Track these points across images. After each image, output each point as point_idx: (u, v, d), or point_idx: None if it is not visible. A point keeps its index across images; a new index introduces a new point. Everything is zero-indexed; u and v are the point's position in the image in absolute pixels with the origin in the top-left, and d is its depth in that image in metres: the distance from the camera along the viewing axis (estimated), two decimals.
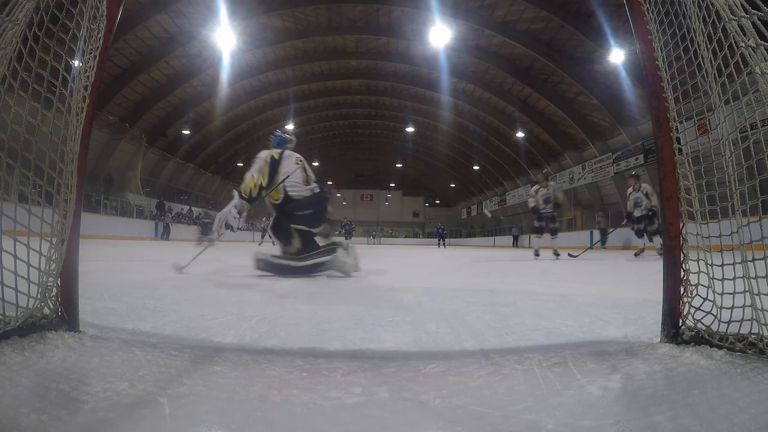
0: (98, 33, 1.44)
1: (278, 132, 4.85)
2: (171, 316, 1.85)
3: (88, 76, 1.43)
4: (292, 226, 4.23)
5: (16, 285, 1.20)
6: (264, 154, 4.33)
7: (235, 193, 4.21)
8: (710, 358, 1.19)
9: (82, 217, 1.47)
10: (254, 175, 4.15)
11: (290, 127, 26.48)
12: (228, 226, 4.09)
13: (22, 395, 0.88)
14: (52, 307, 1.35)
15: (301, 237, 4.24)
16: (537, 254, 9.64)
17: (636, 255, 9.84)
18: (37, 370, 1.03)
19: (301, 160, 4.52)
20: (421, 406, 0.91)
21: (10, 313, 1.20)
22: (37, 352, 1.14)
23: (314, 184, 4.52)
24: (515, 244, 34.01)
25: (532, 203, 9.94)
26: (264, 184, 4.17)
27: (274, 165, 4.29)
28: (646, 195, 9.23)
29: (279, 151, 4.46)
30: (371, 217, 56.89)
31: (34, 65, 1.24)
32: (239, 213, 4.09)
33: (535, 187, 10.13)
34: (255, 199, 4.18)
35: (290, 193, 4.28)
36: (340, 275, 3.99)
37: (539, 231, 9.94)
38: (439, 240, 36.22)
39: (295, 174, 4.35)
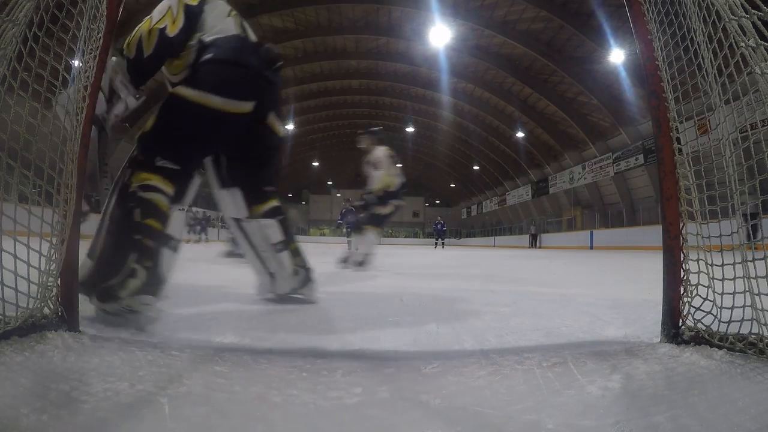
0: (98, 33, 1.44)
1: None
2: (171, 316, 1.85)
3: (88, 76, 1.43)
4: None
5: (16, 285, 1.20)
6: None
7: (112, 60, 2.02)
8: (710, 358, 1.19)
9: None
10: (152, 17, 1.98)
11: None
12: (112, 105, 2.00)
13: (22, 395, 0.88)
14: (52, 307, 1.35)
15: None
16: None
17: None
18: (37, 370, 1.03)
19: (241, 22, 2.32)
20: (421, 406, 0.91)
21: (10, 313, 1.20)
22: (37, 352, 1.14)
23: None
24: (534, 244, 28.73)
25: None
26: (171, 33, 1.95)
27: (194, 13, 2.07)
28: None
29: None
30: None
31: (34, 65, 1.24)
32: (115, 83, 1.94)
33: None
34: (143, 62, 1.94)
35: (205, 57, 2.03)
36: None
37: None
38: (437, 238, 28.41)
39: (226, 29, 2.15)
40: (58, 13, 1.28)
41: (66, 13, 1.34)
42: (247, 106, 2.05)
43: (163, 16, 1.96)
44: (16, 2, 1.16)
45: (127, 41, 1.96)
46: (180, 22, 2.00)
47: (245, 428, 0.80)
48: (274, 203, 2.30)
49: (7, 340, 1.16)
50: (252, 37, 2.36)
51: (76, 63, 1.42)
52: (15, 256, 1.19)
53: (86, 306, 1.58)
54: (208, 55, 2.03)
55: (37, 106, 1.27)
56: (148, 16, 2.00)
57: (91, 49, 1.43)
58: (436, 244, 28.27)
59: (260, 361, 1.22)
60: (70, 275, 1.41)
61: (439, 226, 29.36)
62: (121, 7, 1.52)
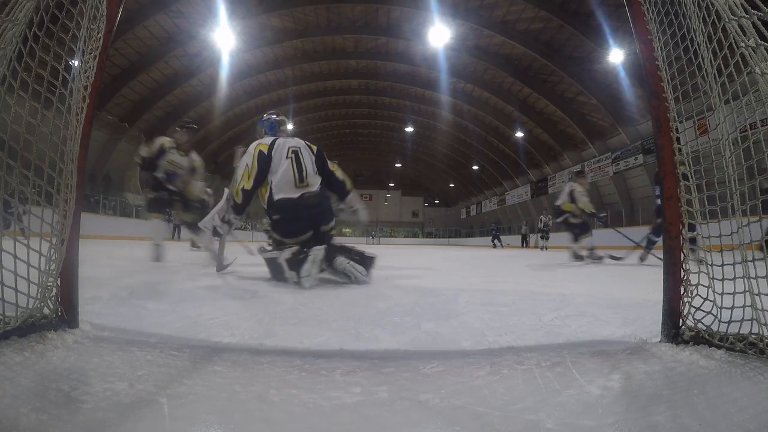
0: (98, 33, 1.44)
1: (267, 116, 4.01)
2: (170, 316, 1.85)
3: (88, 76, 1.43)
4: (272, 233, 3.61)
5: (15, 285, 1.20)
6: (252, 148, 3.55)
7: (226, 192, 3.80)
8: (710, 358, 1.19)
9: (82, 217, 1.46)
10: (237, 178, 3.49)
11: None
12: (216, 233, 3.69)
13: (21, 395, 0.88)
14: (51, 307, 1.35)
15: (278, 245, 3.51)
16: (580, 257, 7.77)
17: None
18: (37, 370, 1.03)
19: (295, 150, 3.57)
20: (420, 406, 0.91)
21: (9, 313, 1.20)
22: (36, 352, 1.14)
23: (314, 180, 3.55)
24: (525, 244, 29.92)
25: (576, 209, 7.91)
26: (248, 187, 3.42)
27: (264, 162, 3.47)
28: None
29: (270, 141, 3.60)
30: (371, 216, 56.75)
31: (34, 65, 1.24)
32: (223, 219, 3.60)
33: (571, 187, 8.05)
34: (241, 207, 3.50)
35: (275, 196, 3.44)
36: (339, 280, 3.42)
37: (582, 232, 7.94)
38: (494, 240, 30.29)
39: (285, 171, 3.47)
40: (58, 13, 1.28)
41: (66, 13, 1.34)
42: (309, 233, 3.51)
43: (244, 174, 3.45)
44: (16, 2, 1.16)
45: (234, 190, 3.49)
46: (251, 177, 3.44)
47: (245, 428, 0.80)
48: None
49: (7, 340, 1.17)
50: (309, 166, 3.58)
51: (75, 63, 1.42)
52: (15, 256, 1.19)
53: (86, 306, 1.58)
54: (276, 216, 3.49)
55: (36, 106, 1.26)
56: (236, 175, 3.55)
57: (91, 49, 1.43)
58: (494, 244, 30.14)
59: (259, 360, 1.22)
60: (70, 275, 1.41)
61: (495, 230, 32.19)
62: (121, 7, 1.52)
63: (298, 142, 3.68)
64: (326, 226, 3.59)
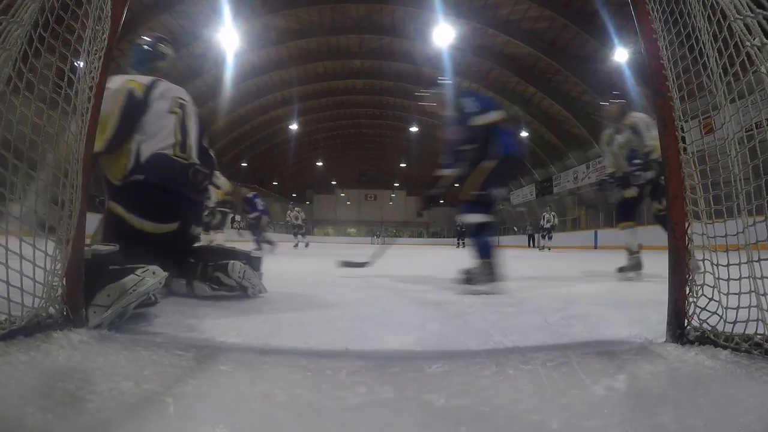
0: (103, 34, 1.44)
1: (142, 40, 2.59)
2: (175, 316, 1.85)
3: (93, 77, 1.44)
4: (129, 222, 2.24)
5: (21, 284, 1.21)
6: (119, 83, 2.23)
7: None
8: (715, 359, 1.18)
9: (87, 217, 1.47)
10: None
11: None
12: None
13: (27, 394, 0.88)
14: (57, 306, 1.35)
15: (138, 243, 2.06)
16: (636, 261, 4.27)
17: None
18: (43, 370, 1.03)
19: (183, 104, 2.44)
20: (425, 406, 0.91)
21: (15, 312, 1.21)
22: (42, 352, 1.14)
23: (193, 155, 2.45)
24: (531, 243, 27.50)
25: (609, 166, 4.74)
26: (99, 148, 1.99)
27: (134, 109, 2.24)
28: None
29: (148, 80, 2.37)
30: (376, 216, 56.74)
31: (39, 66, 1.25)
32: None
33: (608, 132, 4.67)
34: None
35: (144, 154, 2.24)
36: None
37: (628, 213, 4.52)
38: (459, 238, 25.64)
39: (166, 132, 2.31)
40: (63, 14, 1.29)
41: (71, 14, 1.35)
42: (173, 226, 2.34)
43: (101, 122, 1.71)
44: (21, 3, 1.17)
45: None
46: (114, 126, 2.17)
47: (250, 428, 0.80)
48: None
49: (13, 340, 1.17)
50: (192, 135, 2.47)
51: (81, 64, 1.42)
52: (21, 256, 1.19)
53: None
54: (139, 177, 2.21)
55: (42, 106, 1.27)
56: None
57: (96, 50, 1.44)
58: (458, 244, 26.99)
59: (265, 360, 1.22)
60: (76, 275, 1.41)
61: (461, 228, 26.94)
62: (126, 8, 1.53)
63: (185, 94, 2.54)
64: (196, 227, 2.56)
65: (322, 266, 5.91)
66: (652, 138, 3.98)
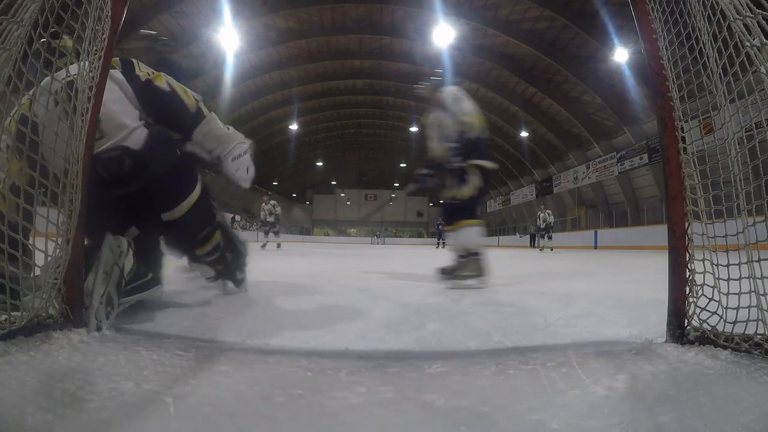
0: (103, 34, 1.44)
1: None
2: (175, 316, 1.85)
3: (93, 77, 1.44)
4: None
5: (21, 284, 1.21)
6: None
7: None
8: (716, 359, 1.18)
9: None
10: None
11: None
12: None
13: (27, 394, 0.88)
14: (57, 306, 1.35)
15: None
16: None
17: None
18: (43, 370, 1.03)
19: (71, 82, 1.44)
20: (425, 406, 0.91)
21: (15, 312, 1.21)
22: (42, 352, 1.14)
23: (120, 124, 1.79)
24: (533, 243, 25.40)
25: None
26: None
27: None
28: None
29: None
30: (376, 217, 56.80)
31: (39, 65, 1.25)
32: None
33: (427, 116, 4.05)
34: None
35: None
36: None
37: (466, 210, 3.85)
38: (439, 238, 25.61)
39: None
40: (63, 15, 1.29)
41: (71, 14, 1.35)
42: None
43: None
44: (21, 3, 1.17)
45: None
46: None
47: (250, 428, 0.80)
48: None
49: (13, 340, 1.17)
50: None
51: (81, 64, 1.43)
52: (21, 256, 1.19)
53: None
54: None
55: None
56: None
57: (96, 50, 1.44)
58: (438, 244, 26.44)
59: (265, 360, 1.22)
60: (75, 275, 1.41)
61: (440, 227, 25.80)
62: (126, 9, 1.53)
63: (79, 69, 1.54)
64: (169, 210, 1.99)
65: (322, 266, 5.91)
66: (462, 113, 3.48)
